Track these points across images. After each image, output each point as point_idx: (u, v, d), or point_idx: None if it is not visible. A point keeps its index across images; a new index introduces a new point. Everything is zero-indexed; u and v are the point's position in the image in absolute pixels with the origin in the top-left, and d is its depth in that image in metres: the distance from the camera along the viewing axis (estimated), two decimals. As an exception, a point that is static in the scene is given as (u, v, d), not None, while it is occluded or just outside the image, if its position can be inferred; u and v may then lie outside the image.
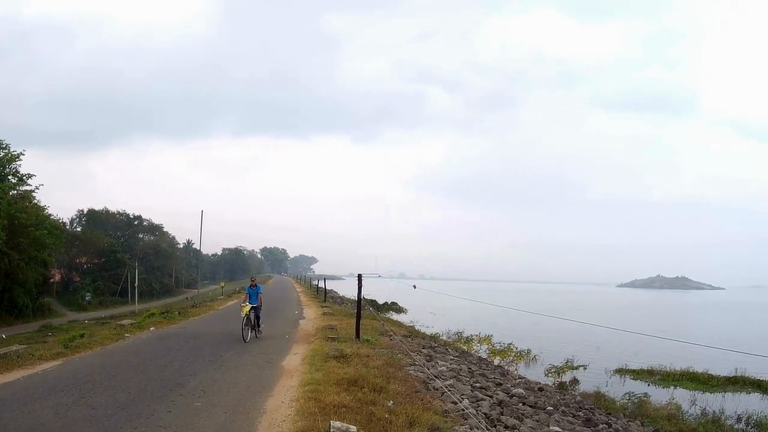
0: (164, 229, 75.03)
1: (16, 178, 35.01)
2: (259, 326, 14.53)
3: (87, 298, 49.81)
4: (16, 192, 34.82)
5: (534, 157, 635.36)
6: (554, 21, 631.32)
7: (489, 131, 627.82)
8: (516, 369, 19.74)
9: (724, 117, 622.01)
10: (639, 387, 17.89)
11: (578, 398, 13.78)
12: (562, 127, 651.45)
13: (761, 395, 17.88)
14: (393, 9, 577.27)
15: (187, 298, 52.83)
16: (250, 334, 13.80)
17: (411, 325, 29.83)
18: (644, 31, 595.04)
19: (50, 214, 39.80)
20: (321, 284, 42.93)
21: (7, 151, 34.16)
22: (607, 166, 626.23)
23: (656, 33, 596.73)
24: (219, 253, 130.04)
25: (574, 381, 17.93)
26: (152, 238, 71.02)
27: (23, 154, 34.67)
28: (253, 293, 14.43)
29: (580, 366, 21.13)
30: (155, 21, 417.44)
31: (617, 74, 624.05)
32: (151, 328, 16.63)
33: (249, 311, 13.82)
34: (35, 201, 36.26)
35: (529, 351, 23.54)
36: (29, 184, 35.79)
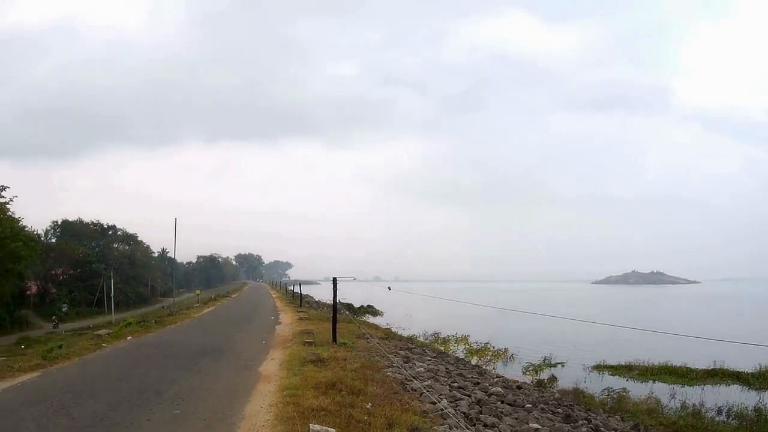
0: (138, 239, 75.01)
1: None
2: None
3: (64, 309, 49.21)
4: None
5: (503, 156, 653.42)
6: (522, 23, 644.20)
7: (458, 132, 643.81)
8: (494, 368, 19.74)
9: (693, 113, 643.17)
10: (617, 382, 17.73)
11: (557, 395, 13.86)
12: (529, 126, 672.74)
13: (740, 387, 17.75)
14: (362, 15, 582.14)
15: (163, 306, 52.60)
16: None
17: (387, 327, 29.89)
18: (612, 31, 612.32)
19: (25, 226, 38.92)
20: (296, 289, 43.02)
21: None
22: (578, 165, 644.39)
23: (624, 32, 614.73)
24: (194, 261, 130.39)
25: (553, 378, 17.93)
26: (126, 248, 70.68)
27: None
28: None
29: (557, 363, 21.04)
30: (127, 31, 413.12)
31: (584, 73, 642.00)
32: (129, 338, 16.57)
33: None
34: (9, 213, 35.35)
35: (506, 350, 23.49)
36: (3, 196, 34.83)
